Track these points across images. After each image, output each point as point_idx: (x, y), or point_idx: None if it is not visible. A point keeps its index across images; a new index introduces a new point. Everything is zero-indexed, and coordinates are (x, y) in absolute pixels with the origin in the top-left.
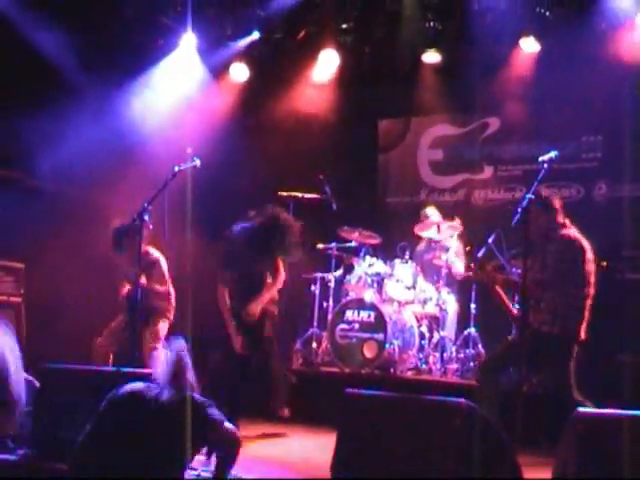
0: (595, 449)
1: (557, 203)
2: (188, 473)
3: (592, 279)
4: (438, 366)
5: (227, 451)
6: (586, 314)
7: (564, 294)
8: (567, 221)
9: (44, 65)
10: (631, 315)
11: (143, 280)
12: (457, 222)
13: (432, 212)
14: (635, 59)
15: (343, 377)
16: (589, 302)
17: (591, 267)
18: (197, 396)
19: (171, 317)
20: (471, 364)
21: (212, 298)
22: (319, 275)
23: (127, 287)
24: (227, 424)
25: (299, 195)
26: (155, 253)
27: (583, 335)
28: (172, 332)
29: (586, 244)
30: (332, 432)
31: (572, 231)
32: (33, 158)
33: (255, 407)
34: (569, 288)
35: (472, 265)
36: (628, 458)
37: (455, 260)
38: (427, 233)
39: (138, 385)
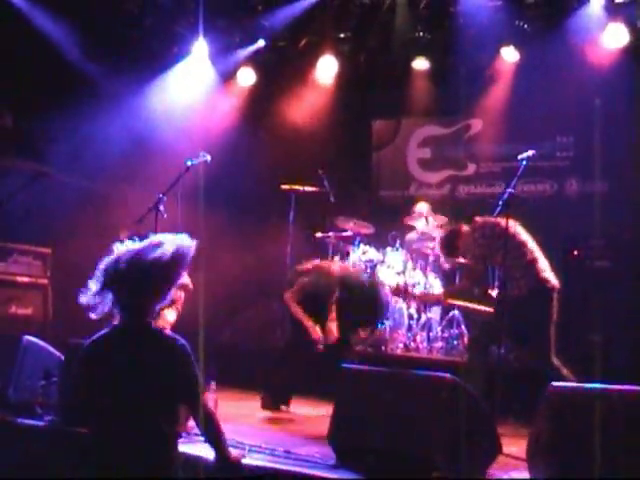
0: (566, 419)
1: (460, 229)
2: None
3: (529, 246)
4: (425, 344)
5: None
6: (537, 266)
7: (513, 268)
8: (477, 220)
9: (71, 69)
10: (599, 299)
11: None
12: (441, 217)
13: (422, 207)
14: (602, 68)
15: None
16: (533, 256)
17: (522, 238)
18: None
19: (180, 308)
20: (455, 342)
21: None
22: (317, 261)
23: None
24: (209, 404)
25: (300, 188)
26: None
27: (551, 283)
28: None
29: (511, 223)
30: (330, 403)
31: (487, 221)
32: (61, 154)
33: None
34: (513, 262)
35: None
36: (597, 427)
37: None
38: (416, 223)
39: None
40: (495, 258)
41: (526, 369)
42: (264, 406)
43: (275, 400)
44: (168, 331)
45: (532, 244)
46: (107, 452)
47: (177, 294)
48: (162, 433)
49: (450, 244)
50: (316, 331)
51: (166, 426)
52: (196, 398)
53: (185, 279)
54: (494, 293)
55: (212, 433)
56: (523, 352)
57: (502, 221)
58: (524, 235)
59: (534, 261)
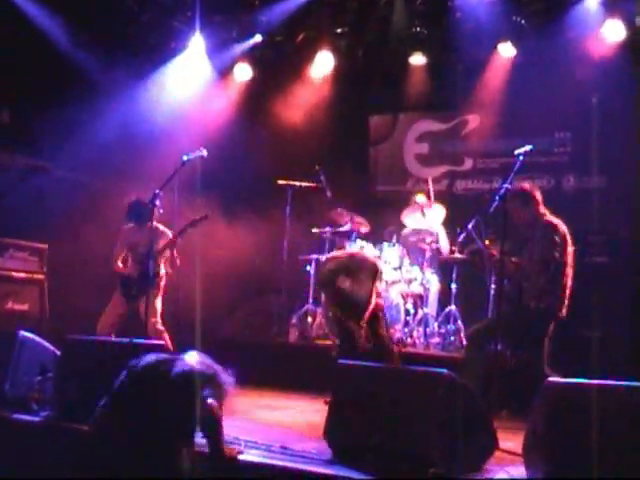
0: (562, 415)
1: (538, 195)
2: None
3: (570, 260)
4: (422, 340)
5: (208, 428)
6: (567, 293)
7: (545, 276)
8: (546, 211)
9: (69, 64)
10: (597, 295)
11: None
12: (440, 207)
13: (421, 199)
14: (599, 64)
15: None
16: (569, 282)
17: (569, 249)
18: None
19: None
20: (451, 338)
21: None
22: (314, 256)
23: (121, 263)
24: (210, 400)
25: (297, 184)
26: (162, 227)
27: (563, 312)
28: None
29: (565, 229)
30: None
31: (552, 218)
32: (58, 149)
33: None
34: (551, 270)
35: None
36: (594, 423)
37: (441, 243)
38: (410, 219)
39: (152, 358)
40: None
41: (520, 365)
42: None
43: None
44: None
45: (572, 270)
46: (114, 450)
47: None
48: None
49: (523, 199)
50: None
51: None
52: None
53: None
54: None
55: (212, 429)
56: (518, 355)
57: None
58: (571, 257)
59: (564, 287)
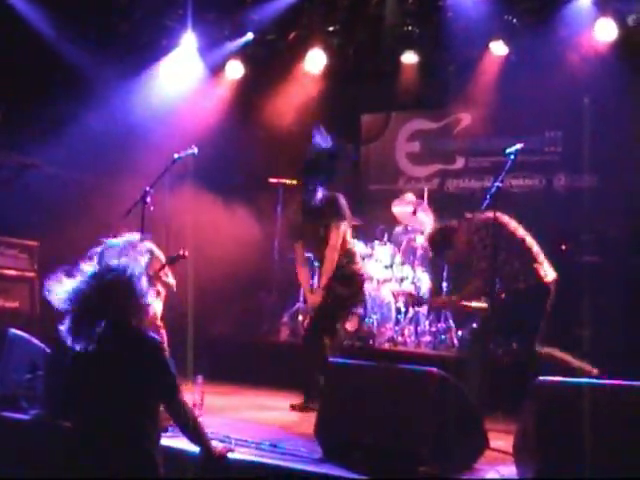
0: (552, 414)
1: (446, 227)
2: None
3: (520, 233)
4: (413, 338)
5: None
6: (537, 261)
7: (510, 259)
8: (468, 217)
9: (60, 62)
10: (587, 293)
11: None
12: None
13: (411, 198)
14: (591, 63)
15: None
16: (532, 249)
17: (512, 227)
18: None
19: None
20: (442, 337)
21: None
22: (306, 255)
23: None
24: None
25: (288, 182)
26: (155, 250)
27: (548, 278)
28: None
29: (499, 214)
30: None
31: (477, 217)
32: (49, 146)
33: None
34: (509, 253)
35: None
36: (584, 422)
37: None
38: (400, 210)
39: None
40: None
41: (514, 363)
42: None
43: None
44: (143, 329)
45: (530, 239)
46: (89, 448)
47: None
48: (142, 428)
49: (443, 240)
50: None
51: (144, 421)
52: (170, 394)
53: (170, 279)
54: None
55: (190, 430)
56: (510, 343)
57: (499, 217)
58: (521, 230)
59: (533, 257)
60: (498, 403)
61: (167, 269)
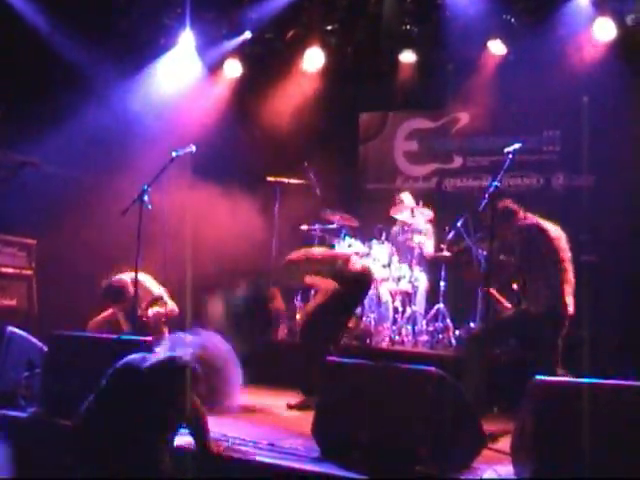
0: (550, 414)
1: (513, 206)
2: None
3: (563, 255)
4: (410, 338)
5: (192, 425)
6: (566, 288)
7: (539, 276)
8: (524, 213)
9: (58, 60)
10: (585, 294)
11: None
12: (428, 210)
13: (406, 197)
14: (589, 62)
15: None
16: (567, 276)
17: (558, 244)
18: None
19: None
20: (440, 336)
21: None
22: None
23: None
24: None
25: (286, 181)
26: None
27: (570, 309)
28: None
29: (547, 225)
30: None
31: (529, 220)
32: (47, 145)
33: None
34: (541, 270)
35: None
36: (581, 422)
37: (426, 242)
38: (401, 216)
39: (134, 357)
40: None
41: (511, 362)
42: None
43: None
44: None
45: (568, 264)
46: (98, 447)
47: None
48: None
49: (505, 214)
50: None
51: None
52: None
53: (168, 304)
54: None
55: (193, 424)
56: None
57: (545, 229)
58: (564, 253)
59: (566, 282)
60: (496, 402)
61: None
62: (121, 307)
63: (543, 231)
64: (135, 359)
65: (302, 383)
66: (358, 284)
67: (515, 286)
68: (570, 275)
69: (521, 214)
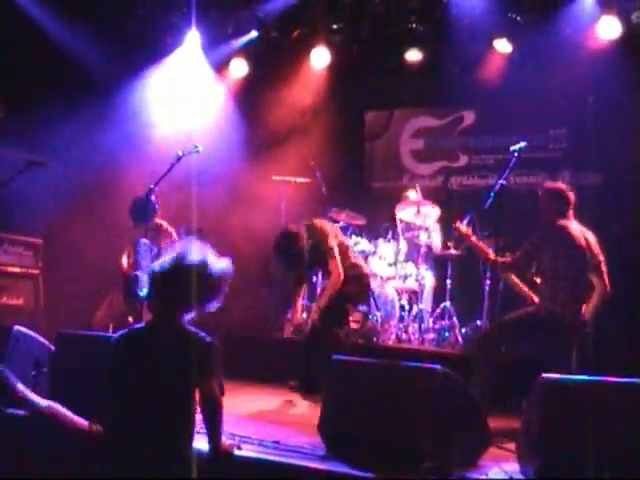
0: (556, 411)
1: (571, 198)
2: None
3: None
4: (416, 336)
5: (208, 409)
6: (585, 289)
7: (562, 280)
8: (571, 215)
9: (63, 58)
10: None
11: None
12: (435, 207)
13: (413, 195)
14: (595, 60)
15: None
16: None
17: (579, 242)
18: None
19: None
20: (446, 334)
21: None
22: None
23: (126, 260)
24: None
25: (292, 179)
26: (167, 226)
27: (586, 315)
28: None
29: (576, 232)
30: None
31: (566, 222)
32: (53, 144)
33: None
34: (565, 274)
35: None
36: (587, 420)
37: (434, 239)
38: (405, 214)
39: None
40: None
41: (517, 360)
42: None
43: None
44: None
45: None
46: (122, 447)
47: None
48: (178, 429)
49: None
50: None
51: (181, 419)
52: (206, 380)
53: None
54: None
55: (213, 421)
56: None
57: (569, 229)
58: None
59: (583, 285)
60: (502, 398)
61: None
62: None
63: (573, 238)
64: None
65: (302, 383)
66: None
67: (538, 280)
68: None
69: (571, 212)
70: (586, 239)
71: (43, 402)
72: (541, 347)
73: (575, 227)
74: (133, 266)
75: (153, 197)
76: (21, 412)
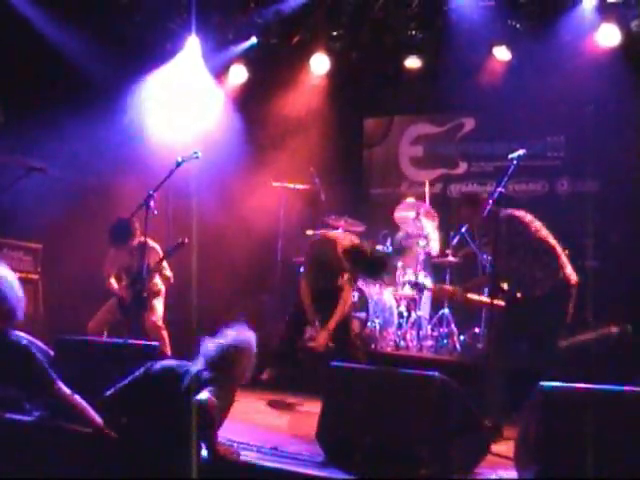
0: (554, 419)
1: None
2: None
3: (542, 233)
4: (415, 343)
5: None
6: (561, 259)
7: (532, 263)
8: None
9: (63, 64)
10: (589, 298)
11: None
12: (433, 215)
13: (411, 202)
14: (594, 68)
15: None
16: (555, 250)
17: (534, 227)
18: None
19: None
20: (444, 341)
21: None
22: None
23: (114, 281)
24: (201, 395)
25: (291, 186)
26: (151, 242)
27: (573, 278)
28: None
29: (529, 216)
30: (319, 401)
31: (509, 211)
32: (53, 149)
33: None
34: (534, 257)
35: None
36: (586, 428)
37: (433, 246)
38: (403, 214)
39: (171, 362)
40: (516, 255)
41: (516, 368)
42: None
43: None
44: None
45: (552, 240)
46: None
47: (158, 287)
48: None
49: (471, 204)
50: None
51: None
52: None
53: (167, 272)
54: (505, 286)
55: (204, 426)
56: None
57: (521, 217)
58: (544, 230)
59: (556, 257)
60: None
61: (165, 263)
62: (128, 248)
63: (527, 222)
64: (173, 365)
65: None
66: None
67: (505, 286)
68: (559, 249)
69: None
70: None
71: (67, 389)
72: (537, 342)
73: None
74: (124, 288)
75: (152, 203)
76: (21, 417)
